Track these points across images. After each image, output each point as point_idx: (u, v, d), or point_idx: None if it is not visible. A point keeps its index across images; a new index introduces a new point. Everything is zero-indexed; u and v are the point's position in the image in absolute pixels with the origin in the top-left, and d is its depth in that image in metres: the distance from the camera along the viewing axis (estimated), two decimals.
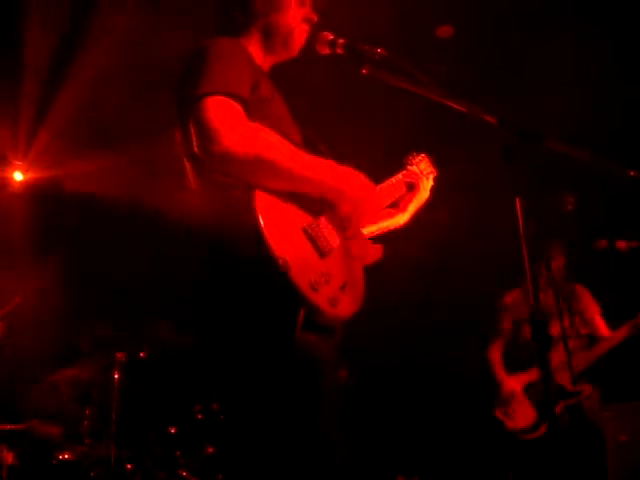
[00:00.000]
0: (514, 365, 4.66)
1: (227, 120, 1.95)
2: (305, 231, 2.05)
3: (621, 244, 4.70)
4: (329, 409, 2.05)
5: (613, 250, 4.73)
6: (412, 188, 2.79)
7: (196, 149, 1.98)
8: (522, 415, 4.56)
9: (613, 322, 4.74)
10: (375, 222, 2.66)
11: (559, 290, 4.47)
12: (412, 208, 2.78)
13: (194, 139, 1.98)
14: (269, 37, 2.39)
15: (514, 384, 4.59)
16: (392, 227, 2.74)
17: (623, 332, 4.64)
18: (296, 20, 2.39)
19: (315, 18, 2.43)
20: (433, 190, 2.88)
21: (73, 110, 5.61)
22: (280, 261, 1.87)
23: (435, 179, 2.90)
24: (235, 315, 1.99)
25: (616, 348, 4.65)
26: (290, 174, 2.02)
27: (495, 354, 4.81)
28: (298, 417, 1.98)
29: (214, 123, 1.94)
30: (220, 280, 2.01)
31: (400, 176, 2.75)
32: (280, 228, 1.95)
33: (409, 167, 2.81)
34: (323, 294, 1.98)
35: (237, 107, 2.01)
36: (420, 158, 2.87)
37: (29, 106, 5.62)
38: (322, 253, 2.07)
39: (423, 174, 2.82)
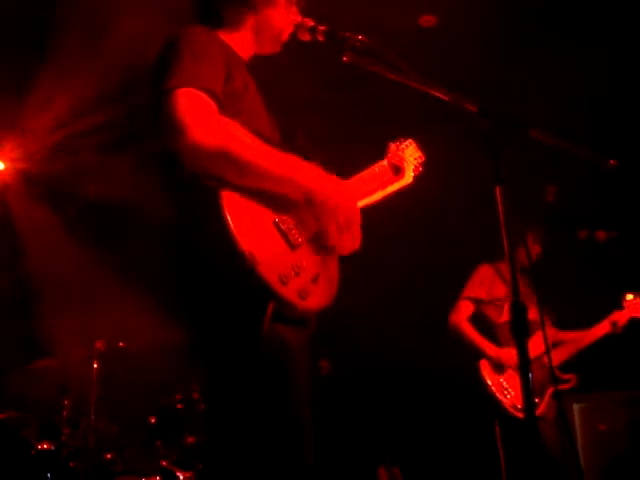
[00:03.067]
0: (492, 340, 4.54)
1: (196, 113, 1.93)
2: (276, 224, 2.05)
3: (601, 234, 4.73)
4: (301, 400, 2.06)
5: (593, 240, 4.76)
6: (398, 172, 2.76)
7: (165, 142, 1.97)
8: (519, 392, 4.34)
9: (591, 313, 4.76)
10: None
11: (534, 277, 4.43)
12: (390, 189, 2.73)
13: (163, 132, 1.96)
14: (259, 32, 2.40)
15: (502, 354, 4.38)
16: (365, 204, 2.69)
17: (603, 328, 4.66)
18: (285, 17, 2.41)
19: (300, 18, 2.43)
20: (421, 176, 2.86)
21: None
22: (247, 255, 1.87)
23: (423, 164, 2.88)
24: (206, 309, 2.00)
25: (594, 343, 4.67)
26: (258, 171, 2.00)
27: (468, 323, 4.58)
28: (269, 408, 1.99)
29: (183, 116, 1.92)
30: (190, 275, 2.01)
31: (385, 162, 2.72)
32: (248, 222, 1.95)
33: (395, 152, 2.78)
34: (292, 287, 1.98)
35: (208, 100, 1.99)
36: (407, 143, 2.85)
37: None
38: (293, 245, 2.06)
39: (409, 160, 2.81)
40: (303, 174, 2.11)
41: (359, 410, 5.89)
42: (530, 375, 1.83)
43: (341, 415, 5.52)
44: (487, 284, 4.65)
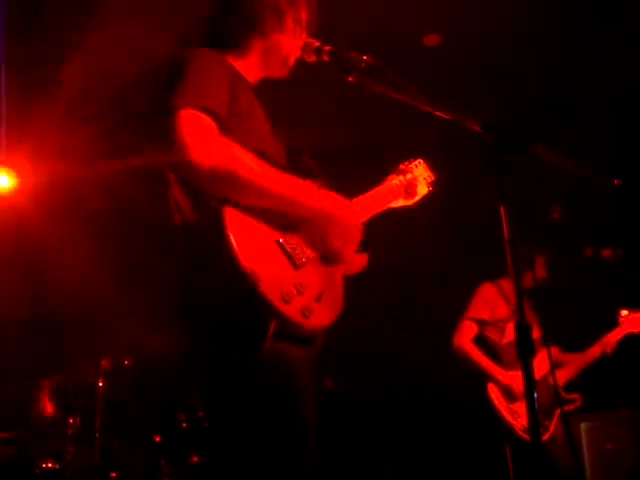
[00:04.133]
0: (496, 362, 4.50)
1: (197, 134, 1.96)
2: (279, 243, 2.06)
3: (607, 252, 4.72)
4: (305, 419, 2.06)
5: (599, 258, 4.75)
6: (409, 191, 2.77)
7: (168, 160, 2.00)
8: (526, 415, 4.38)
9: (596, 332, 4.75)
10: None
11: (537, 300, 4.40)
12: (395, 205, 2.75)
13: (166, 150, 1.99)
14: (267, 56, 2.42)
15: (512, 380, 4.30)
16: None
17: (595, 352, 4.64)
18: (293, 42, 2.42)
19: (309, 41, 2.44)
20: (430, 195, 2.87)
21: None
22: (249, 274, 1.88)
23: (433, 184, 2.88)
24: (208, 327, 2.01)
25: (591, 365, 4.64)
26: (257, 190, 2.01)
27: (473, 345, 4.50)
28: (271, 427, 1.99)
29: (183, 136, 1.94)
30: (193, 293, 2.03)
31: (397, 181, 2.73)
32: (251, 241, 1.96)
33: (406, 171, 2.79)
34: (295, 305, 1.98)
35: (209, 122, 2.01)
36: (417, 163, 2.86)
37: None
38: (297, 264, 2.07)
39: (419, 180, 2.81)
40: (304, 193, 2.13)
41: (362, 427, 5.86)
42: (536, 397, 1.83)
43: (345, 432, 5.50)
44: (490, 304, 4.59)
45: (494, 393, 4.35)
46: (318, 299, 2.08)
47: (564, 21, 4.85)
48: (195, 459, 4.59)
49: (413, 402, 6.06)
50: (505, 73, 5.26)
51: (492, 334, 4.55)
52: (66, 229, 5.99)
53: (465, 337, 4.55)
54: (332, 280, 2.21)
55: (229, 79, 2.20)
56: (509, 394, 4.33)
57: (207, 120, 2.01)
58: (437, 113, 2.14)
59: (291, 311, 1.97)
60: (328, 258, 2.20)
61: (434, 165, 2.92)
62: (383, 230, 2.71)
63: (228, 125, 2.09)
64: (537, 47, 5.03)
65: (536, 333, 4.55)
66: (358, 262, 2.41)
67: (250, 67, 2.41)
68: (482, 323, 4.57)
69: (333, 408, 5.18)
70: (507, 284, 4.59)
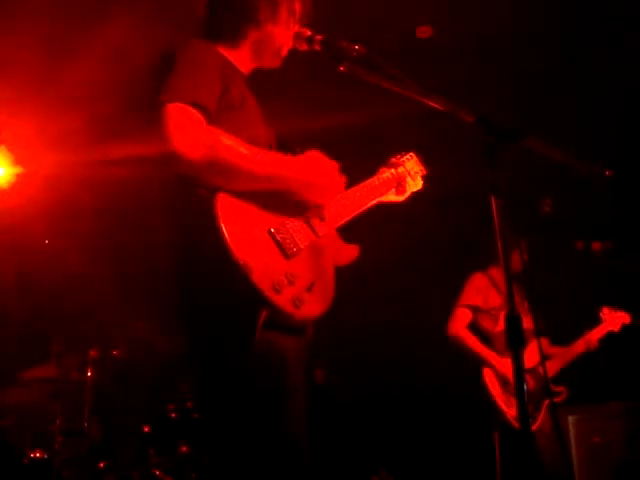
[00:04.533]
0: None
1: (183, 127, 1.98)
2: (270, 233, 2.08)
3: (596, 245, 4.74)
4: (295, 409, 2.07)
5: (589, 251, 4.77)
6: (399, 184, 2.77)
7: (159, 154, 2.02)
8: None
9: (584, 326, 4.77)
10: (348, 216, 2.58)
11: (526, 284, 4.41)
12: (386, 199, 2.76)
13: (159, 142, 2.02)
14: (260, 46, 2.43)
15: (507, 368, 4.29)
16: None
17: (579, 347, 4.67)
18: (287, 33, 2.43)
19: (301, 30, 2.44)
20: (422, 190, 2.86)
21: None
22: (241, 264, 1.90)
23: (424, 178, 2.87)
24: (199, 316, 2.04)
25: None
26: (249, 173, 2.04)
27: (468, 331, 4.51)
28: (262, 417, 2.00)
29: (170, 129, 1.98)
30: (184, 282, 2.07)
31: (387, 175, 2.72)
32: (243, 231, 1.99)
33: (397, 165, 2.79)
34: (286, 295, 2.00)
35: (196, 115, 2.03)
36: (408, 157, 2.85)
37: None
38: (287, 254, 2.08)
39: (410, 173, 2.81)
40: (296, 167, 2.17)
41: (354, 419, 5.87)
42: (526, 387, 1.83)
43: (336, 424, 5.51)
44: (483, 292, 4.62)
45: (489, 378, 4.37)
46: (309, 289, 2.09)
47: (563, 13, 4.85)
48: (184, 449, 4.58)
49: (404, 394, 6.07)
50: (498, 65, 5.25)
51: (485, 322, 4.57)
52: (61, 225, 5.99)
53: (460, 324, 4.57)
54: (323, 270, 2.22)
55: (220, 70, 2.21)
56: (504, 381, 4.35)
57: (194, 113, 2.02)
58: (430, 103, 2.13)
59: (282, 301, 1.98)
60: (323, 241, 2.23)
61: (425, 158, 2.91)
62: (372, 221, 2.71)
63: (219, 117, 2.11)
64: (532, 39, 5.02)
65: (527, 323, 4.56)
66: (349, 253, 2.42)
67: (243, 57, 2.41)
68: (476, 310, 4.59)
69: (325, 400, 5.20)
70: (497, 273, 4.62)
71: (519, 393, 1.84)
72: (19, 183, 6.15)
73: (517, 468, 4.13)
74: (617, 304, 4.82)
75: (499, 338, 4.45)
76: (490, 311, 4.59)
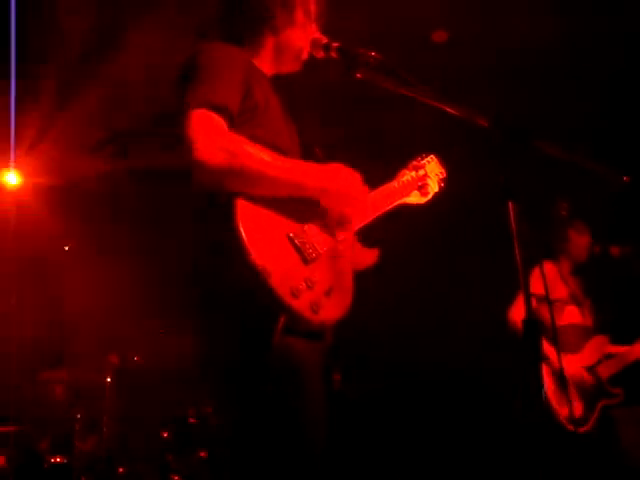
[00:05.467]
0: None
1: (204, 133, 1.98)
2: (289, 238, 2.08)
3: (615, 250, 4.70)
4: (314, 414, 2.07)
5: (607, 256, 4.73)
6: (421, 187, 2.77)
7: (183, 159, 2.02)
8: (577, 403, 4.24)
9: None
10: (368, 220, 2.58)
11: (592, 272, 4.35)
12: (409, 201, 2.76)
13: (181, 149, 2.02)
14: (280, 52, 2.43)
15: (566, 365, 4.22)
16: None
17: None
18: (305, 34, 2.43)
19: (318, 35, 2.45)
20: (442, 192, 2.86)
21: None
22: (259, 269, 1.91)
23: (444, 180, 2.88)
24: (218, 321, 2.04)
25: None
26: (270, 180, 2.03)
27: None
28: (280, 422, 2.00)
29: (192, 135, 1.98)
30: (203, 287, 2.07)
31: (408, 177, 2.74)
32: (262, 236, 1.99)
33: (418, 167, 2.79)
34: (304, 300, 2.00)
35: (218, 120, 2.03)
36: (429, 159, 2.86)
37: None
38: (306, 259, 2.08)
39: (431, 175, 2.82)
40: (318, 175, 2.16)
41: (372, 425, 5.86)
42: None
43: (353, 430, 5.50)
44: (549, 283, 4.44)
45: (546, 373, 4.25)
46: (327, 294, 2.09)
47: (572, 17, 4.84)
48: (203, 454, 4.60)
49: (422, 399, 6.05)
50: (513, 70, 5.24)
51: (547, 313, 4.44)
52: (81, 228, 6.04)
53: (521, 311, 4.41)
54: (342, 275, 2.22)
55: (244, 72, 2.20)
56: (560, 378, 4.25)
57: (216, 118, 2.02)
58: (445, 109, 2.14)
59: (300, 306, 1.98)
60: (343, 245, 2.23)
61: (445, 162, 2.91)
62: (394, 224, 2.71)
63: (241, 119, 2.11)
64: (545, 44, 5.01)
65: (587, 320, 4.54)
66: (368, 257, 2.42)
67: (263, 63, 2.42)
68: (540, 299, 4.43)
69: (342, 405, 5.19)
70: (564, 265, 4.64)
71: (537, 396, 1.84)
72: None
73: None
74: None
75: (562, 331, 4.40)
76: (555, 302, 4.51)
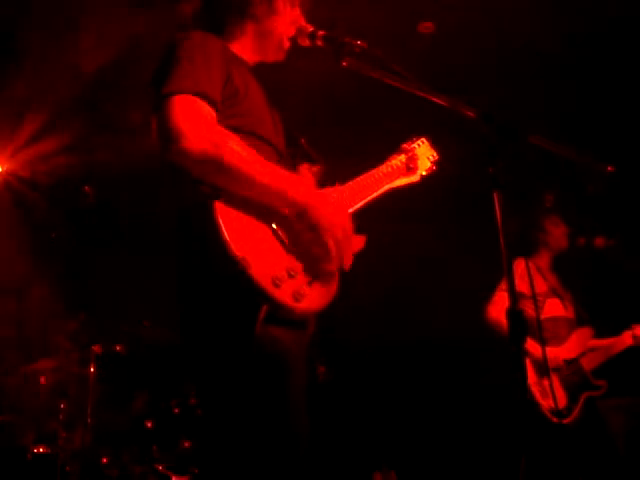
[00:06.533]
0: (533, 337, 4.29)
1: (191, 120, 1.96)
2: (273, 229, 2.06)
3: (599, 241, 4.72)
4: (296, 403, 2.07)
5: (591, 247, 4.76)
6: (410, 169, 2.76)
7: (159, 146, 2.00)
8: (560, 394, 4.27)
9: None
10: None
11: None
12: (398, 183, 2.73)
13: (158, 136, 2.00)
14: (261, 40, 2.42)
15: (548, 358, 4.26)
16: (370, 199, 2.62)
17: (626, 340, 4.56)
18: (288, 25, 2.42)
19: (303, 22, 2.44)
20: (434, 175, 2.85)
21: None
22: (239, 259, 1.90)
23: (436, 163, 2.87)
24: (200, 312, 2.04)
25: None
26: (247, 179, 1.99)
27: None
28: (263, 411, 2.00)
29: (177, 122, 1.95)
30: (185, 278, 2.07)
31: (400, 160, 2.73)
32: (242, 226, 1.98)
33: (409, 150, 2.79)
34: (286, 289, 1.99)
35: (205, 107, 2.02)
36: (420, 142, 2.85)
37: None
38: (289, 248, 2.07)
39: (422, 158, 2.81)
40: (295, 188, 2.07)
41: (355, 415, 5.87)
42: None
43: (337, 420, 5.51)
44: (527, 279, 4.39)
45: (527, 365, 4.26)
46: (310, 283, 2.08)
47: (559, 9, 4.84)
48: (187, 445, 4.60)
49: (405, 389, 6.07)
50: (500, 61, 5.24)
51: (529, 309, 4.47)
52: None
53: (500, 308, 4.41)
54: None
55: (223, 59, 2.19)
56: (541, 371, 4.26)
57: (202, 104, 2.01)
58: (432, 99, 2.13)
59: (282, 295, 1.97)
60: (323, 260, 2.14)
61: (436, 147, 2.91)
62: (380, 213, 2.70)
63: (223, 106, 2.10)
64: (534, 35, 5.01)
65: (570, 312, 4.57)
66: (355, 243, 2.38)
67: (244, 51, 2.41)
68: (520, 296, 4.43)
69: (325, 394, 5.20)
70: (544, 258, 4.68)
71: (522, 388, 1.84)
72: None
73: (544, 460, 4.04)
74: (619, 302, 4.78)
75: (543, 325, 4.41)
76: (536, 297, 4.52)
